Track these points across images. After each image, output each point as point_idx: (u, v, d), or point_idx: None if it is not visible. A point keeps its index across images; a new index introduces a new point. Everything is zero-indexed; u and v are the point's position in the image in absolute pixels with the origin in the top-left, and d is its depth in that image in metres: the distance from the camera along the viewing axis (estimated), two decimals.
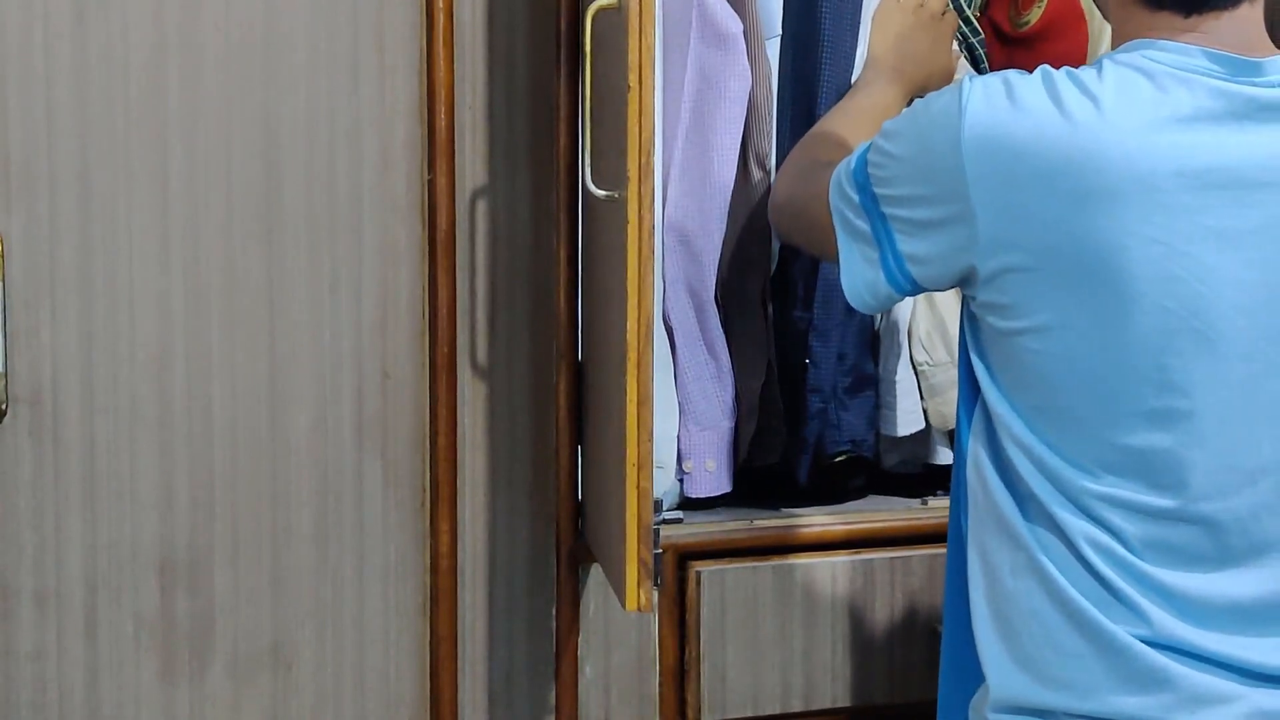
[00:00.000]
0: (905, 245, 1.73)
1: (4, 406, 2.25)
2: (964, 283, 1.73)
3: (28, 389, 2.26)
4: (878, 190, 1.74)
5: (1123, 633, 1.68)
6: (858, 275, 1.78)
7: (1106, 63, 1.68)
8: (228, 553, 2.35)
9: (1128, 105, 1.64)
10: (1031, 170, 1.64)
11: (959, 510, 1.81)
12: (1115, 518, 1.69)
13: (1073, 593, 1.69)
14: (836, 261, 1.80)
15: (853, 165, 1.78)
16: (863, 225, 1.76)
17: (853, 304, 1.81)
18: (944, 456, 2.49)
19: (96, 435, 2.29)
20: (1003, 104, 1.66)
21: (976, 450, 1.76)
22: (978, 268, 1.69)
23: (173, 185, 2.29)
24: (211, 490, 2.33)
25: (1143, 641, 1.68)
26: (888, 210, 1.74)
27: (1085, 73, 1.68)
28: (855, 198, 1.77)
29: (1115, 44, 1.75)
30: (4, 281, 2.24)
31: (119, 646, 2.32)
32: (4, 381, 2.24)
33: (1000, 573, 1.74)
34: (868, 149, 1.77)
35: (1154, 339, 1.64)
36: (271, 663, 2.38)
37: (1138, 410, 1.66)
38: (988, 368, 1.74)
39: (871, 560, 2.42)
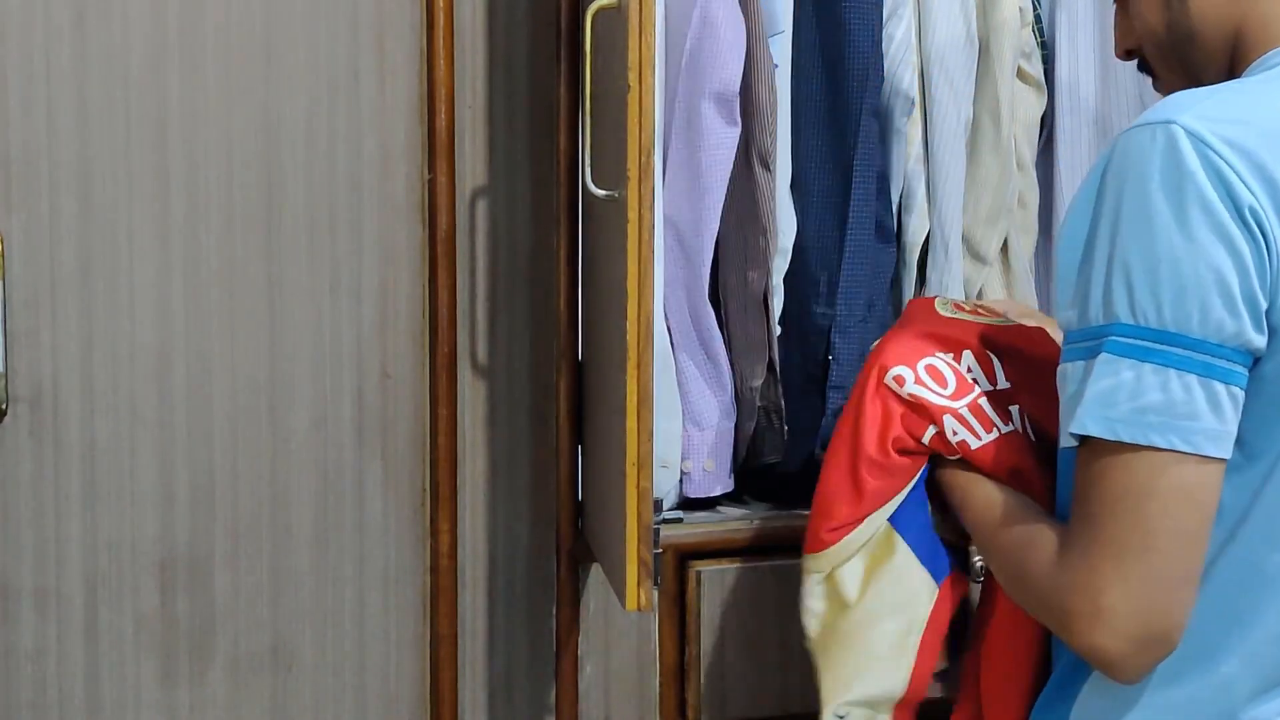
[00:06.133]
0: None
1: (4, 406, 2.25)
2: None
3: (28, 389, 2.26)
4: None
5: None
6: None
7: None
8: (228, 553, 2.35)
9: None
10: None
11: None
12: None
13: None
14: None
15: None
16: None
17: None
18: None
19: (96, 435, 2.29)
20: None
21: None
22: None
23: (173, 185, 2.30)
24: (211, 490, 2.33)
25: None
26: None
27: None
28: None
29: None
30: (4, 281, 2.24)
31: (119, 646, 2.32)
32: (4, 381, 2.24)
33: None
34: (1115, 327, 1.47)
35: None
36: (271, 663, 2.38)
37: None
38: None
39: None
